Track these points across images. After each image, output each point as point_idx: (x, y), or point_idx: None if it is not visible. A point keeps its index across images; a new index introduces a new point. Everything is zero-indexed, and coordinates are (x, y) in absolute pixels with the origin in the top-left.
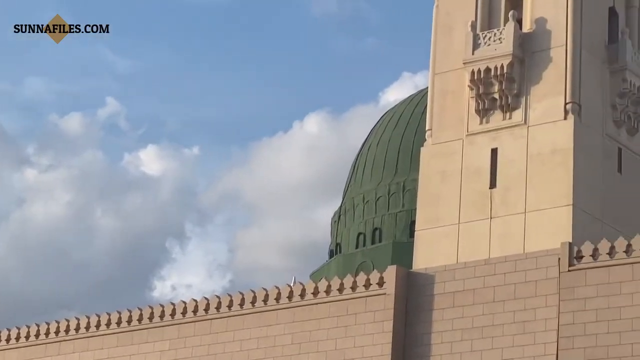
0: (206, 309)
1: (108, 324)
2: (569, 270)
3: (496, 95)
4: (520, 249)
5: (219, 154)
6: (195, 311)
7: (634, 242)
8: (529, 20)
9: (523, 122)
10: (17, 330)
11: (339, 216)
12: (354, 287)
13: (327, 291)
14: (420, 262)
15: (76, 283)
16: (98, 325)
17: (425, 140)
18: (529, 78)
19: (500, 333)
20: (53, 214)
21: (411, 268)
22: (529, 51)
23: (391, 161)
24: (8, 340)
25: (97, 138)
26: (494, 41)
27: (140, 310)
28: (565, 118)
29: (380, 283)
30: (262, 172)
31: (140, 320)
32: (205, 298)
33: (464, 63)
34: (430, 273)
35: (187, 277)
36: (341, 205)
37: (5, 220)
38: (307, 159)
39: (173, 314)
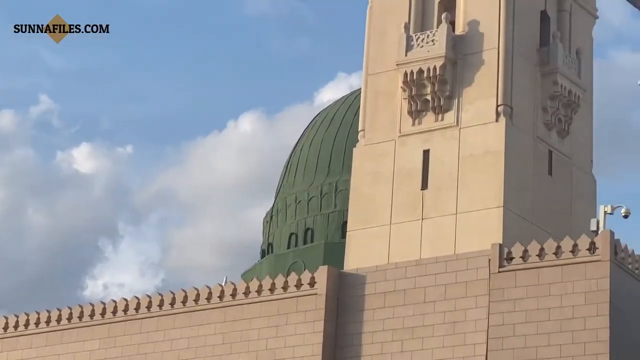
0: (137, 308)
1: (37, 323)
2: (499, 272)
3: (429, 97)
4: (451, 250)
5: (152, 153)
6: (125, 310)
7: (563, 244)
8: (462, 23)
9: (455, 123)
10: None
11: (271, 216)
12: (285, 287)
13: (259, 291)
14: (352, 262)
15: (7, 281)
16: (27, 324)
17: (358, 141)
18: (461, 80)
19: (431, 334)
20: None
21: (343, 268)
22: (462, 53)
23: (324, 162)
24: None
25: (29, 136)
26: (427, 43)
27: (70, 309)
28: (496, 120)
29: (312, 283)
30: (196, 172)
31: (69, 319)
32: (136, 297)
33: (396, 64)
34: (362, 273)
35: (119, 276)
36: (273, 205)
37: None
38: (240, 158)
39: (103, 313)
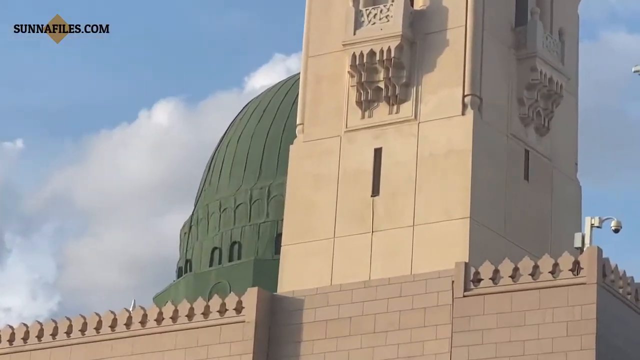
0: (25, 338)
1: None
2: (464, 296)
3: (381, 85)
4: (407, 270)
5: (47, 148)
6: (11, 340)
7: (541, 264)
8: None
9: (413, 117)
10: None
11: (190, 227)
12: (206, 313)
13: (174, 317)
14: (287, 283)
15: None
16: None
17: (296, 136)
18: (420, 65)
19: None
20: None
21: (276, 291)
22: (422, 32)
23: (254, 161)
24: None
25: None
26: (380, 19)
27: None
28: (463, 113)
29: (239, 308)
30: (100, 172)
31: None
32: (24, 324)
33: (343, 45)
34: (299, 297)
35: (5, 299)
36: (193, 214)
37: None
38: (154, 156)
39: None
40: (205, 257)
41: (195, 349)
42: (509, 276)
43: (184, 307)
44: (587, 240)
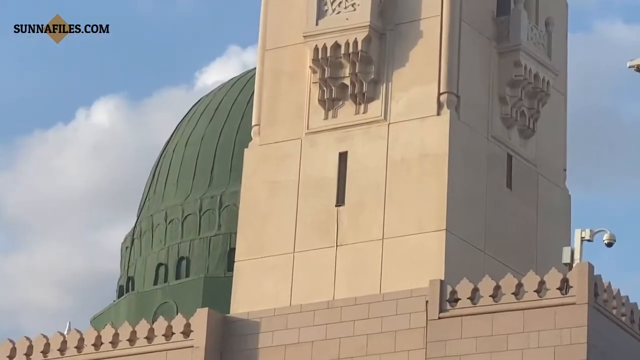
0: None
1: None
2: (439, 318)
3: (347, 81)
4: (375, 289)
5: None
6: None
7: (525, 281)
8: None
9: (382, 117)
10: None
11: (133, 240)
12: (150, 338)
13: (114, 342)
14: (241, 304)
15: None
16: None
17: (251, 139)
18: (390, 59)
19: None
20: None
21: (228, 312)
22: (392, 22)
23: (204, 167)
24: None
25: None
26: (346, 8)
27: None
28: (438, 113)
29: (187, 332)
30: (31, 178)
31: None
32: None
33: (304, 36)
34: (254, 319)
35: None
36: (135, 226)
37: None
38: (93, 160)
39: None
40: (149, 274)
41: None
42: (490, 295)
43: (125, 331)
44: (576, 256)
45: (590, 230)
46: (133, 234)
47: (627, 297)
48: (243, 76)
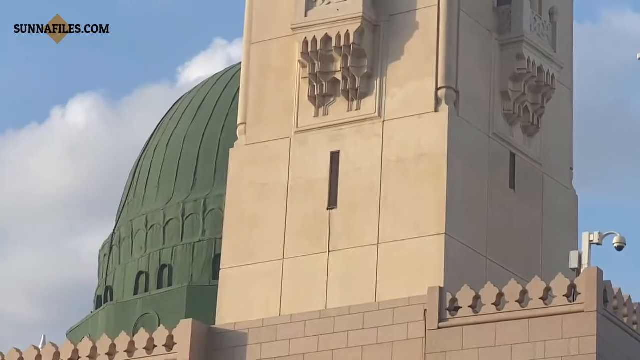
0: None
1: None
2: (439, 328)
3: (338, 76)
4: (370, 297)
5: None
6: None
7: (530, 288)
8: None
9: (376, 114)
10: None
11: (111, 247)
12: (130, 351)
13: (92, 356)
14: (227, 314)
15: None
16: None
17: (237, 138)
18: (385, 52)
19: None
20: None
21: (214, 323)
22: (386, 13)
23: (187, 168)
24: None
25: None
26: None
27: None
28: (436, 110)
29: (169, 344)
30: (4, 181)
31: None
32: None
33: (292, 29)
34: (241, 330)
35: None
36: (114, 232)
37: None
38: (68, 162)
39: None
40: (129, 283)
41: None
42: (493, 303)
43: (103, 344)
44: (584, 260)
45: (599, 233)
46: (112, 241)
47: (639, 304)
48: (228, 71)
